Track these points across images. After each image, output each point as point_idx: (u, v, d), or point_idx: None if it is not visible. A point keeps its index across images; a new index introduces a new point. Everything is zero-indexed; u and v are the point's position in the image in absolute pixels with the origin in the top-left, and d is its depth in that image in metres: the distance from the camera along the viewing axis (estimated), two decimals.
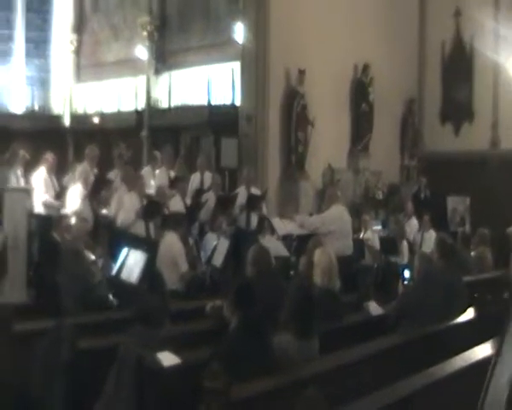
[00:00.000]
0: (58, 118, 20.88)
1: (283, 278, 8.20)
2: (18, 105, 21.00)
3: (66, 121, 20.81)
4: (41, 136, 18.41)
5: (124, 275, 8.80)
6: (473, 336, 6.64)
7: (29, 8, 21.80)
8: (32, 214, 10.84)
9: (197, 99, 17.18)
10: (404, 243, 13.07)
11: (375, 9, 16.83)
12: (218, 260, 10.46)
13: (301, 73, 14.79)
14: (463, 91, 18.13)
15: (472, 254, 10.81)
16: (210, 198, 12.31)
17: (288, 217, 11.74)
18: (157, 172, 13.18)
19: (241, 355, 5.06)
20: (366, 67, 16.55)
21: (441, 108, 18.64)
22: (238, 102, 15.75)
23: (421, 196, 16.66)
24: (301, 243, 10.51)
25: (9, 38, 21.58)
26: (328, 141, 15.48)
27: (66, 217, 10.26)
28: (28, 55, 21.85)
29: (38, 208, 11.71)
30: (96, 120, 19.75)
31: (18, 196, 9.78)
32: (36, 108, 20.82)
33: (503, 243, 11.82)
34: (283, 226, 11.79)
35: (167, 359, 5.30)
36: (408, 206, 15.08)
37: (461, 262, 9.76)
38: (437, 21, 18.39)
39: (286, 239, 11.56)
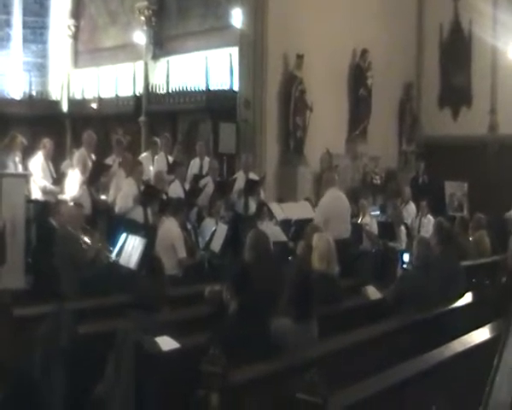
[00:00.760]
0: (56, 103, 20.79)
1: (282, 263, 8.21)
2: (16, 91, 20.91)
3: (64, 107, 20.72)
4: (39, 121, 18.38)
5: (122, 260, 8.82)
6: (471, 320, 6.68)
7: None
8: (29, 200, 10.84)
9: (195, 84, 17.13)
10: (402, 229, 13.09)
11: None
12: (217, 246, 10.48)
13: (299, 57, 14.74)
14: (461, 76, 18.08)
15: (470, 239, 10.81)
16: (208, 183, 12.31)
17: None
18: (156, 157, 13.18)
19: (240, 340, 5.08)
20: (364, 52, 16.51)
21: (439, 93, 18.59)
22: (236, 88, 15.71)
23: (419, 181, 16.66)
24: (299, 228, 10.54)
25: (7, 24, 21.52)
26: (327, 126, 15.45)
27: (61, 202, 10.24)
28: (26, 40, 21.80)
29: (36, 194, 11.71)
30: (94, 105, 19.67)
31: (16, 182, 9.77)
32: (34, 93, 20.70)
33: (501, 227, 11.84)
34: (281, 211, 11.81)
35: (166, 343, 5.32)
36: (406, 191, 15.08)
37: (459, 247, 9.79)
38: (435, 5, 18.31)
39: (284, 224, 11.57)
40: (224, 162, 14.63)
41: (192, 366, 4.65)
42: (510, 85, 15.87)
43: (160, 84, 18.25)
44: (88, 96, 20.23)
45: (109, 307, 6.86)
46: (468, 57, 17.97)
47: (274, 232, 10.64)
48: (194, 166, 13.39)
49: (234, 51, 15.83)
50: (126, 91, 19.17)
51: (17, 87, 21.10)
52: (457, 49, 18.17)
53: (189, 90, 17.22)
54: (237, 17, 15.63)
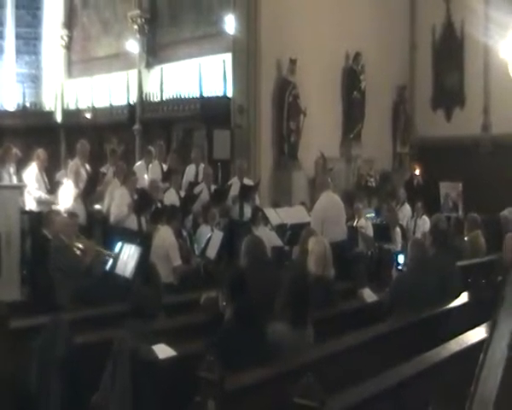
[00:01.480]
0: (50, 114, 20.81)
1: (278, 268, 8.21)
2: (9, 102, 20.94)
3: (58, 117, 20.74)
4: (33, 132, 18.40)
5: (118, 269, 8.81)
6: (467, 320, 6.67)
7: (19, 5, 21.84)
8: (24, 211, 10.82)
9: (189, 91, 17.16)
10: (398, 230, 13.08)
11: None
12: (212, 252, 10.48)
13: (292, 62, 14.77)
14: (454, 77, 18.13)
15: (465, 238, 10.82)
16: (203, 190, 12.32)
17: None
18: (150, 166, 13.19)
19: (237, 346, 5.07)
20: (357, 55, 16.56)
21: (432, 94, 18.64)
22: (230, 94, 15.74)
23: (414, 183, 16.68)
24: (295, 233, 10.54)
25: None
26: (321, 130, 15.48)
27: (54, 212, 10.20)
28: (19, 51, 21.86)
29: (30, 205, 11.69)
30: (88, 115, 19.69)
31: (11, 194, 9.77)
32: (27, 104, 20.74)
33: (496, 227, 11.83)
34: (277, 216, 11.81)
35: (162, 351, 5.32)
36: (400, 193, 15.12)
37: (454, 247, 9.80)
38: (427, 7, 18.35)
39: (280, 229, 11.58)
40: (218, 169, 14.64)
41: (188, 374, 4.65)
42: (503, 85, 15.87)
43: (153, 93, 18.28)
44: (82, 105, 20.27)
45: (106, 317, 6.85)
46: (460, 58, 18.03)
47: (269, 237, 10.66)
48: (189, 172, 13.39)
49: (227, 57, 15.87)
50: (120, 100, 19.20)
51: (11, 98, 21.14)
52: (450, 50, 18.23)
53: (182, 97, 17.25)
54: (230, 23, 15.69)
